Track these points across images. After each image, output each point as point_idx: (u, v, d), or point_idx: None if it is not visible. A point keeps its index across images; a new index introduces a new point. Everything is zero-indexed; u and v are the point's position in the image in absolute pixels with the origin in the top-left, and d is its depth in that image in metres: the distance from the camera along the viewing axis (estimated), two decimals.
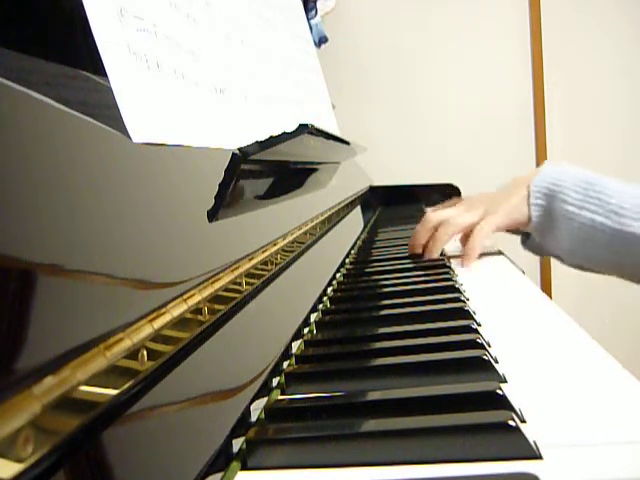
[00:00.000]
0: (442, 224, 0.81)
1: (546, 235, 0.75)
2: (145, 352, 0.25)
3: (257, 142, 0.42)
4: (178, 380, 0.28)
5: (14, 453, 0.17)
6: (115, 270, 0.25)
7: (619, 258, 0.69)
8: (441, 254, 0.81)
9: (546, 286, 1.84)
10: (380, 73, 1.89)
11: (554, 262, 0.89)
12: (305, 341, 0.48)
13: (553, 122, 1.84)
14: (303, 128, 0.44)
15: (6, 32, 0.35)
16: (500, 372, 0.38)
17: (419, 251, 0.82)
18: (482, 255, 0.82)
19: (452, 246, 0.86)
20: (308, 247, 0.63)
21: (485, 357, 0.38)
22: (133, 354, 0.24)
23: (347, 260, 0.83)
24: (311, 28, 1.38)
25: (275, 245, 0.49)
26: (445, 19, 1.86)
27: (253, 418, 0.34)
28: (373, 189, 1.52)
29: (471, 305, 0.55)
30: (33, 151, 0.23)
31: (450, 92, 1.88)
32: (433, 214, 0.84)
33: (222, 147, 0.42)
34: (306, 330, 0.51)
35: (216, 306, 0.34)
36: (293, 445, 0.31)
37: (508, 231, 0.86)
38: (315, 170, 0.82)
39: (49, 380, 0.18)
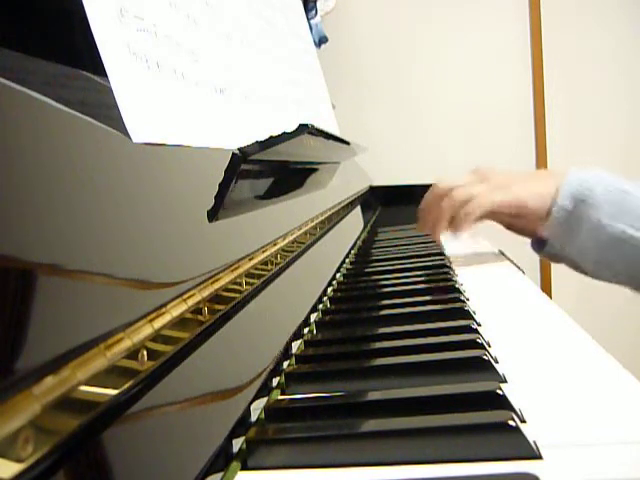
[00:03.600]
0: (449, 193, 0.73)
1: (566, 241, 0.69)
2: (145, 352, 0.25)
3: (257, 142, 0.42)
4: (178, 380, 0.28)
5: (14, 453, 0.17)
6: (115, 270, 0.25)
7: None
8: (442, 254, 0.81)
9: (546, 286, 1.84)
10: (380, 73, 1.89)
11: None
12: (305, 341, 0.48)
13: (553, 122, 1.84)
14: (303, 128, 0.44)
15: (6, 32, 0.34)
16: (500, 372, 0.38)
17: (428, 230, 0.76)
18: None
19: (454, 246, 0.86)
20: (308, 247, 0.63)
21: (485, 357, 0.38)
22: (133, 354, 0.24)
23: (347, 260, 0.83)
24: (311, 28, 1.38)
25: (275, 245, 0.49)
26: (445, 19, 1.86)
27: (253, 418, 0.34)
28: (373, 189, 1.52)
29: (471, 305, 0.55)
30: (33, 151, 0.23)
31: (450, 92, 1.87)
32: (443, 183, 0.76)
33: (222, 147, 0.42)
34: (306, 330, 0.51)
35: (216, 306, 0.34)
36: (293, 445, 0.31)
37: (515, 231, 0.80)
38: (315, 170, 0.82)
39: (49, 380, 0.18)
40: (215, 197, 0.38)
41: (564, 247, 0.71)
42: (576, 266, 0.73)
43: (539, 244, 0.76)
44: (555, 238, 0.71)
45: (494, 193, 0.72)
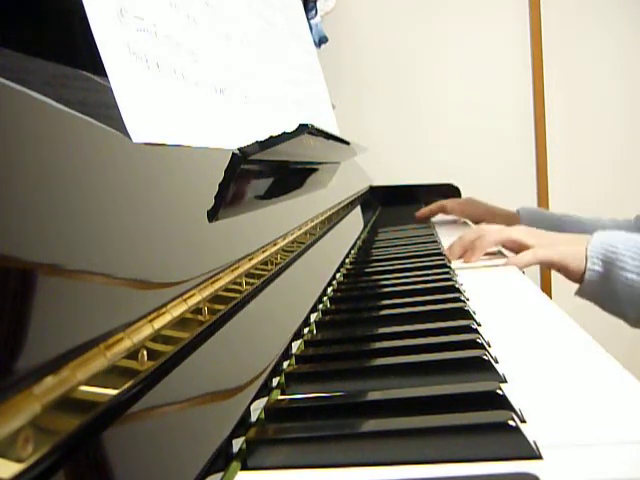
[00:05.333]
0: (490, 232, 0.82)
1: (603, 300, 0.76)
2: (145, 352, 0.25)
3: (257, 142, 0.42)
4: (178, 380, 0.28)
5: (14, 453, 0.17)
6: (115, 270, 0.25)
7: None
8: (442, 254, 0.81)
9: (546, 286, 1.84)
10: (380, 73, 1.89)
11: None
12: (305, 341, 0.48)
13: (553, 122, 1.84)
14: (303, 128, 0.44)
15: (6, 32, 0.34)
16: (500, 372, 0.38)
17: (457, 258, 0.82)
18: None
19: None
20: (308, 247, 0.63)
21: (485, 357, 0.38)
22: (133, 354, 0.24)
23: (347, 260, 0.83)
24: (311, 28, 1.38)
25: (275, 245, 0.49)
26: (445, 19, 1.86)
27: (253, 418, 0.34)
28: (373, 189, 1.52)
29: (471, 305, 0.55)
30: (33, 151, 0.23)
31: (450, 92, 1.87)
32: (487, 226, 0.85)
33: (222, 147, 0.42)
34: (306, 330, 0.51)
35: (216, 306, 0.34)
36: (293, 445, 0.31)
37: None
38: (315, 170, 0.82)
39: (49, 380, 0.18)
40: (215, 197, 0.38)
41: (600, 305, 0.78)
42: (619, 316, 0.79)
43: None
44: (593, 300, 0.78)
45: (543, 249, 0.78)
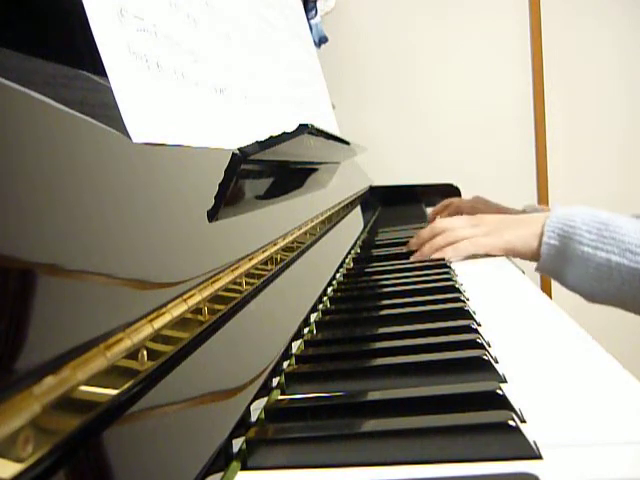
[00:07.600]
0: (444, 232, 0.83)
1: (560, 275, 0.77)
2: (145, 352, 0.25)
3: (257, 142, 0.42)
4: (178, 380, 0.28)
5: (14, 453, 0.17)
6: (115, 270, 0.25)
7: (636, 296, 0.70)
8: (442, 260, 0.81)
9: (546, 286, 1.84)
10: (380, 73, 1.89)
11: None
12: (305, 341, 0.48)
13: (553, 122, 1.84)
14: (303, 128, 0.44)
15: (6, 32, 0.34)
16: (500, 372, 0.38)
17: (415, 249, 0.85)
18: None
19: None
20: (308, 247, 0.63)
21: (485, 357, 0.38)
22: (133, 354, 0.24)
23: (347, 260, 0.83)
24: (311, 28, 1.38)
25: (275, 245, 0.49)
26: (445, 19, 1.86)
27: (253, 418, 0.34)
28: (373, 189, 1.52)
29: (471, 305, 0.55)
30: (33, 151, 0.23)
31: (450, 92, 1.87)
32: (441, 221, 0.86)
33: (222, 147, 0.42)
34: (306, 330, 0.51)
35: (216, 306, 0.34)
36: (293, 445, 0.31)
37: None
38: (315, 170, 0.82)
39: (49, 380, 0.18)
40: (215, 197, 0.38)
41: (559, 280, 0.78)
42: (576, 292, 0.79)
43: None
44: (549, 274, 0.78)
45: (485, 238, 0.81)
